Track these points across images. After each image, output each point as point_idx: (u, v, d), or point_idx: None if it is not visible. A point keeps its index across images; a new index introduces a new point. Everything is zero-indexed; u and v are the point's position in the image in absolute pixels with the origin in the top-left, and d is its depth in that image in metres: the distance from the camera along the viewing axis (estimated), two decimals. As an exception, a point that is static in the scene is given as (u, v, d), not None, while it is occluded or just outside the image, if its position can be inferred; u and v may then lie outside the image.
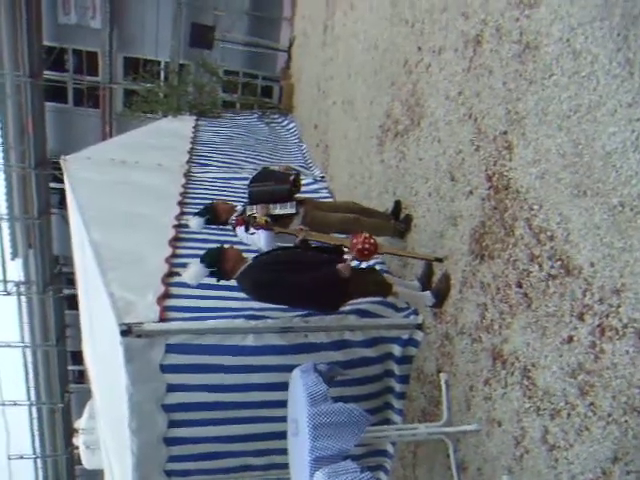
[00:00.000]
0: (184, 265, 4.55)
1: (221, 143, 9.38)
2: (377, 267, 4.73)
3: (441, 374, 4.04)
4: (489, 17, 3.72)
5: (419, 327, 4.45)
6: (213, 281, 4.28)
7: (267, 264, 3.99)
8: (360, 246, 4.09)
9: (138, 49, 13.66)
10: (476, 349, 3.62)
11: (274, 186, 4.70)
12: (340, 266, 3.85)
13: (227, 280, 3.97)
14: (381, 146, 5.63)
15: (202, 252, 3.97)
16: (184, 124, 10.25)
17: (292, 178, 4.85)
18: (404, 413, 4.58)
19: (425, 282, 4.35)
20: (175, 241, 5.20)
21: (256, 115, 11.35)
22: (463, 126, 4.00)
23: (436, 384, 4.09)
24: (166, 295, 4.37)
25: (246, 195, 5.08)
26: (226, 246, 4.03)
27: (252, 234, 4.41)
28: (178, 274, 4.40)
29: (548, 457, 2.89)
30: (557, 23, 3.03)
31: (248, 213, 4.52)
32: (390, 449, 4.69)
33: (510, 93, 3.42)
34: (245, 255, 4.04)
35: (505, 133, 3.45)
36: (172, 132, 9.67)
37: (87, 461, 6.68)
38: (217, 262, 3.87)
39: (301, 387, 3.61)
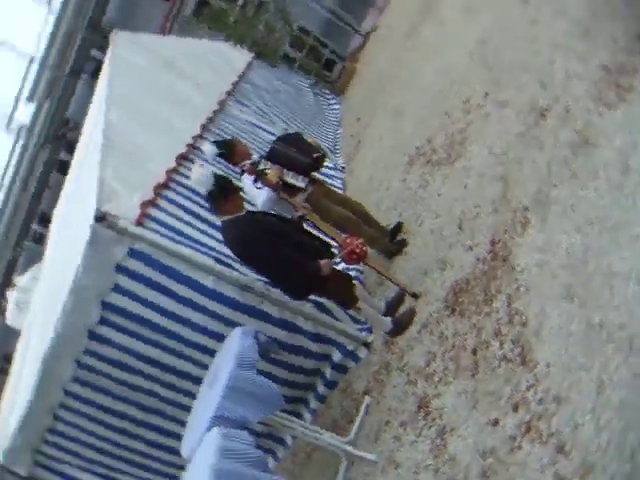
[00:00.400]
0: (181, 184, 4.54)
1: (266, 91, 9.31)
2: (353, 274, 4.75)
3: (366, 397, 4.10)
4: (564, 96, 3.72)
5: (366, 345, 4.46)
6: (202, 212, 4.27)
7: (257, 224, 3.97)
8: (352, 248, 4.11)
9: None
10: (408, 390, 3.66)
11: (297, 154, 4.68)
12: (323, 262, 3.86)
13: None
14: (410, 166, 5.63)
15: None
16: (240, 57, 10.15)
17: (317, 156, 4.84)
18: (316, 415, 4.64)
19: (391, 308, 4.38)
20: (182, 159, 5.17)
21: (309, 82, 11.26)
22: (493, 185, 4.01)
23: (357, 403, 4.13)
24: (152, 203, 4.34)
25: (267, 149, 5.08)
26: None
27: (258, 188, 4.39)
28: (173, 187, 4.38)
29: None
30: (623, 133, 3.06)
31: (261, 167, 4.50)
32: (289, 441, 4.76)
33: (550, 176, 3.44)
34: (245, 204, 4.02)
35: (527, 210, 3.47)
36: (227, 59, 9.58)
37: (11, 318, 6.65)
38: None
39: (236, 346, 3.64)
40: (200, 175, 3.91)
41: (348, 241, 4.21)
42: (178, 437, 3.94)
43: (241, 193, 4.09)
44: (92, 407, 4.53)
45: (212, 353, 4.04)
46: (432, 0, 7.86)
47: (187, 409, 4.02)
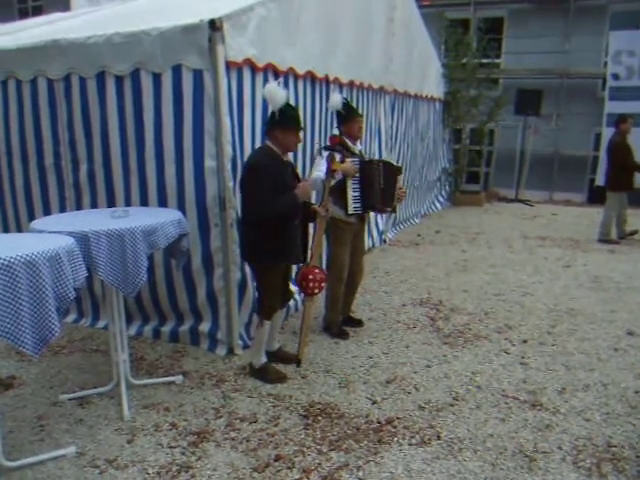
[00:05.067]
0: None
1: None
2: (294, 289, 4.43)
3: (177, 377, 3.79)
4: None
5: (213, 344, 4.27)
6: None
7: (279, 172, 3.64)
8: (315, 276, 3.88)
9: None
10: (204, 407, 3.30)
11: (379, 188, 4.31)
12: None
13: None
14: (442, 338, 5.28)
15: None
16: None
17: (390, 209, 4.50)
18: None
19: (276, 357, 4.04)
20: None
21: (440, 171, 10.91)
22: None
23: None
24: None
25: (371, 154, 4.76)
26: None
27: (327, 156, 4.05)
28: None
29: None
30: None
31: (352, 160, 4.18)
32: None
33: None
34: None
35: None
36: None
37: None
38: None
39: (169, 219, 3.34)
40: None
41: (317, 271, 3.91)
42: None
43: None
44: None
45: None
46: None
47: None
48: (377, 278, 6.17)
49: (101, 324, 4.73)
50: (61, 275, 2.55)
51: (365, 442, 3.11)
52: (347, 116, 4.36)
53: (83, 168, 4.46)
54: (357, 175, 4.23)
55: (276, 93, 3.61)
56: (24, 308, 2.37)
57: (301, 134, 3.80)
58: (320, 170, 4.09)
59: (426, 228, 8.99)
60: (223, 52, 3.79)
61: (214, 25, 3.71)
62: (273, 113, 3.63)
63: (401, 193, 4.54)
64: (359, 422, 3.32)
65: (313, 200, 4.46)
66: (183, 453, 3.01)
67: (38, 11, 17.74)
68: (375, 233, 7.47)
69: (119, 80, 4.12)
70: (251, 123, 4.30)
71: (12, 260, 2.32)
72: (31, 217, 4.86)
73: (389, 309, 5.25)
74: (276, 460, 2.94)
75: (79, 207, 4.56)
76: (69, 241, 2.71)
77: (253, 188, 3.55)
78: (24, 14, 18.62)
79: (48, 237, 2.80)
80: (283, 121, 3.60)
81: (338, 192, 4.18)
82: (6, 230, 5.05)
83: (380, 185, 4.32)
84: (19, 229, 4.98)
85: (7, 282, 2.31)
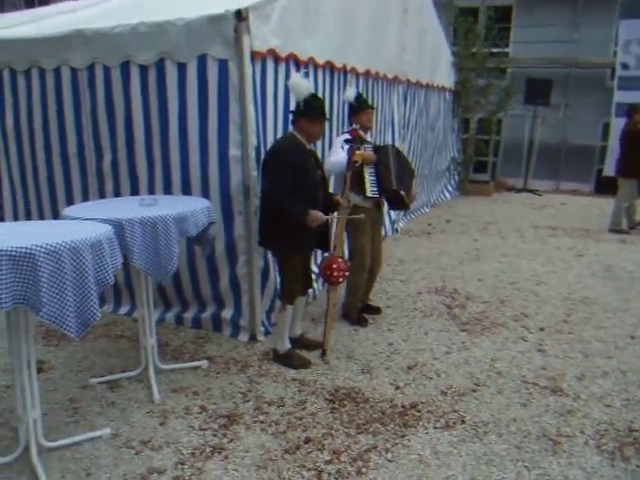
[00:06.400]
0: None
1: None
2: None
3: (203, 361, 3.88)
4: None
5: (235, 330, 4.34)
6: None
7: (303, 154, 3.71)
8: (339, 265, 3.95)
9: None
10: (233, 391, 3.39)
11: (392, 175, 4.37)
12: (313, 214, 3.65)
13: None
14: (456, 319, 5.35)
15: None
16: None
17: (402, 193, 4.54)
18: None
19: (300, 343, 4.12)
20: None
21: (449, 161, 10.92)
22: None
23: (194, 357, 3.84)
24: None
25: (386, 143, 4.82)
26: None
27: (342, 148, 4.13)
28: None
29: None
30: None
31: (364, 142, 4.26)
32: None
33: None
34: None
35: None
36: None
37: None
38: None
39: (190, 205, 3.41)
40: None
41: (340, 260, 3.98)
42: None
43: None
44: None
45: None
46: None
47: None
48: (392, 267, 6.23)
49: (123, 310, 4.81)
50: (102, 261, 2.61)
51: (391, 425, 3.19)
52: (358, 108, 4.47)
53: (107, 157, 4.51)
54: (371, 165, 4.32)
55: (300, 85, 3.68)
56: (69, 293, 2.43)
57: (325, 124, 3.86)
58: (337, 153, 4.17)
59: (436, 217, 9.04)
60: (249, 42, 3.83)
61: (240, 15, 3.75)
62: (298, 103, 3.68)
63: (414, 194, 4.62)
64: (384, 406, 3.40)
65: (332, 189, 4.51)
66: (215, 435, 3.09)
67: (44, -1, 17.71)
68: (387, 222, 7.53)
69: (143, 69, 4.16)
70: (273, 113, 4.35)
71: (58, 246, 2.38)
72: (54, 205, 4.94)
73: (405, 297, 5.32)
74: (306, 442, 3.02)
75: (102, 196, 4.62)
76: (108, 228, 2.78)
77: (273, 171, 3.64)
78: (31, 1, 18.58)
79: (87, 224, 2.86)
80: (308, 112, 3.65)
81: (355, 178, 4.24)
82: (28, 217, 5.12)
83: (395, 167, 4.39)
84: (41, 217, 5.04)
85: (54, 267, 2.37)
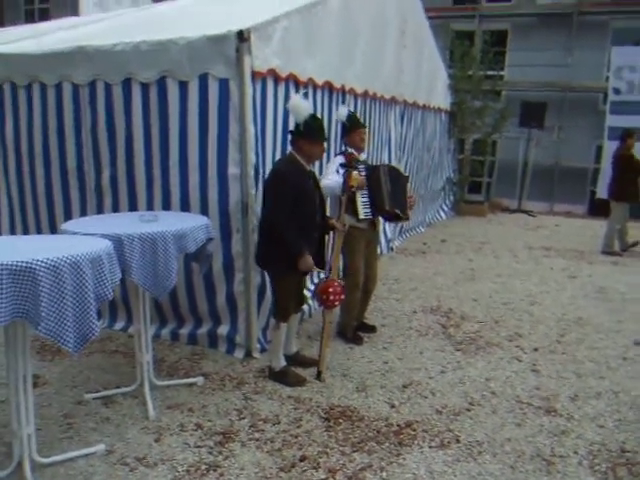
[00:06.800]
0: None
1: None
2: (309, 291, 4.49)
3: (199, 378, 3.88)
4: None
5: (231, 347, 4.35)
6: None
7: (302, 181, 3.74)
8: (335, 288, 3.95)
9: None
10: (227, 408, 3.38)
11: (388, 195, 4.39)
12: (306, 258, 3.67)
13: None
14: (450, 337, 5.37)
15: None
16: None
17: (397, 212, 4.56)
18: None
19: (296, 361, 4.13)
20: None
21: (445, 181, 11.00)
22: None
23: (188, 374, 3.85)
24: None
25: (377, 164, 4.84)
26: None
27: (343, 172, 4.15)
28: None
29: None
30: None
31: (358, 164, 4.28)
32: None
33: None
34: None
35: None
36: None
37: None
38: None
39: (197, 224, 3.44)
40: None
41: (336, 283, 4.00)
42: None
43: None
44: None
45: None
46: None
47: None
48: (387, 285, 6.26)
49: (118, 326, 4.80)
50: (101, 276, 2.63)
51: (386, 444, 3.20)
52: (350, 127, 4.45)
53: (106, 173, 4.54)
54: (364, 187, 4.32)
55: (300, 106, 3.73)
56: (68, 308, 2.45)
57: (325, 144, 3.91)
58: (329, 179, 4.19)
59: (432, 237, 9.10)
60: (250, 62, 3.89)
61: (242, 36, 3.82)
62: (298, 125, 3.73)
63: (412, 201, 4.63)
64: (379, 425, 3.40)
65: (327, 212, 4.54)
66: (210, 452, 3.08)
67: (45, 14, 17.85)
68: (383, 241, 7.57)
69: (145, 87, 4.21)
70: (273, 132, 4.41)
71: (58, 261, 2.40)
72: (52, 219, 4.95)
73: (401, 316, 5.34)
74: (301, 460, 3.02)
75: (100, 211, 4.64)
76: (107, 243, 2.80)
77: (274, 196, 3.66)
78: (31, 16, 18.74)
79: (87, 239, 2.88)
80: (309, 133, 3.70)
81: (344, 204, 4.25)
82: (26, 232, 5.13)
83: (387, 188, 4.40)
84: (39, 231, 5.05)
85: (54, 282, 2.39)
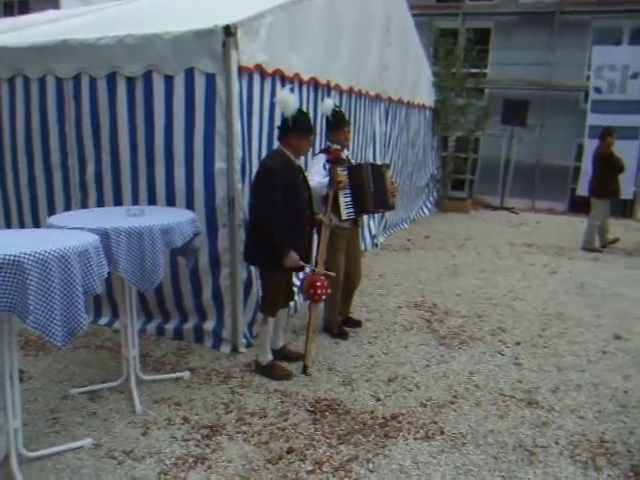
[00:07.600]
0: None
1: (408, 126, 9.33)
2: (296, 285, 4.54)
3: (185, 372, 3.89)
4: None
5: (217, 342, 4.36)
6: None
7: (291, 176, 3.76)
8: (322, 283, 3.98)
9: None
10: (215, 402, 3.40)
11: (370, 192, 4.41)
12: (292, 254, 3.71)
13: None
14: (434, 329, 5.43)
15: None
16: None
17: (379, 209, 4.55)
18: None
19: (282, 355, 4.15)
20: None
21: (429, 178, 11.07)
22: None
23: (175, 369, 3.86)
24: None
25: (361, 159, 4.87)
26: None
27: (328, 168, 4.17)
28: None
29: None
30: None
31: (340, 169, 4.25)
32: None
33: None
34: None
35: None
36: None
37: None
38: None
39: (176, 216, 3.44)
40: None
41: (323, 278, 4.02)
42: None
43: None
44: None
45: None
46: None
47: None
48: (372, 281, 6.30)
49: (103, 321, 4.79)
50: (89, 270, 2.63)
51: (372, 436, 3.24)
52: (335, 124, 4.42)
53: (90, 167, 4.52)
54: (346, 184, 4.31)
55: (288, 100, 3.74)
56: (56, 301, 2.45)
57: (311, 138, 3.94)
58: (314, 180, 4.18)
59: (415, 233, 9.17)
60: (236, 57, 3.90)
61: (229, 31, 3.83)
62: (286, 120, 3.75)
63: (394, 188, 4.62)
64: (365, 418, 3.44)
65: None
66: (197, 445, 3.10)
67: (24, 6, 17.59)
68: (368, 236, 7.62)
69: (130, 81, 4.20)
70: (259, 126, 4.42)
71: (46, 254, 2.40)
72: (35, 214, 4.91)
73: (385, 311, 5.39)
74: (288, 453, 3.05)
75: (85, 206, 4.61)
76: (95, 237, 2.79)
77: (264, 192, 3.67)
78: (9, 9, 18.45)
79: (74, 233, 2.88)
80: (297, 128, 3.72)
81: (330, 200, 4.27)
82: (9, 226, 5.08)
83: (370, 188, 4.42)
84: (22, 225, 5.01)
85: (41, 275, 2.38)
